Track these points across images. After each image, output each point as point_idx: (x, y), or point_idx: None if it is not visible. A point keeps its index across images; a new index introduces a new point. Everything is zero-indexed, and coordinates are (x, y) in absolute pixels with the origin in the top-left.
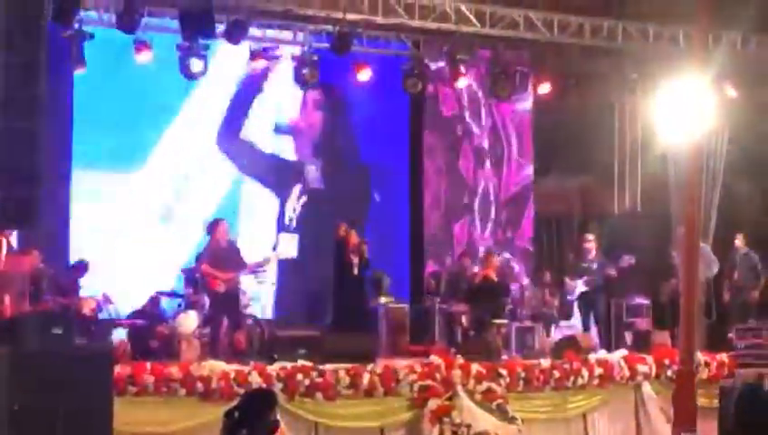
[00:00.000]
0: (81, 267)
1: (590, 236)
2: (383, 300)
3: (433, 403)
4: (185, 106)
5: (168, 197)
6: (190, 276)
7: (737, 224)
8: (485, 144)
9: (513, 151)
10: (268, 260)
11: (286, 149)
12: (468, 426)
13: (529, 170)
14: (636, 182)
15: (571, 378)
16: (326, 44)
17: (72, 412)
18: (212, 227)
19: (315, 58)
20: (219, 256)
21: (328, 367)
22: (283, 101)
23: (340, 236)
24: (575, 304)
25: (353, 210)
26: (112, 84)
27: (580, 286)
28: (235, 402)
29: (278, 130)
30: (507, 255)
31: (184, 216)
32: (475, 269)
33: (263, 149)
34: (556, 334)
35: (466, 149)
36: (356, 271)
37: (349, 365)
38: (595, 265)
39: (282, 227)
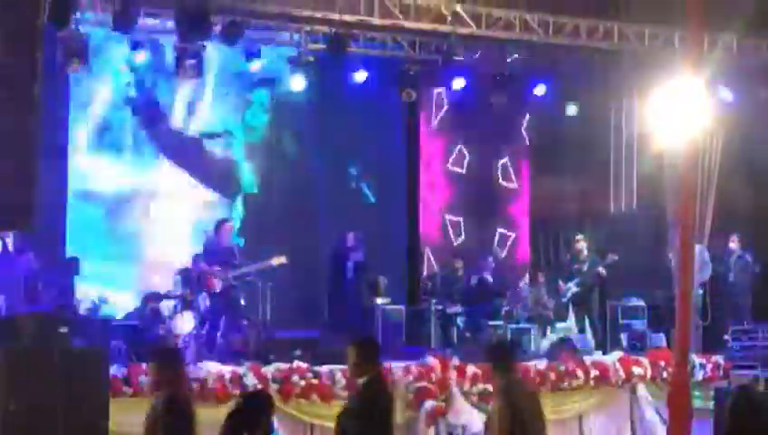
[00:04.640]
0: (73, 264)
1: (580, 236)
2: (379, 301)
3: (429, 405)
4: (178, 104)
5: (165, 196)
6: (186, 277)
7: (732, 225)
8: (482, 145)
9: (509, 152)
10: (269, 265)
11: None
12: (464, 427)
13: (524, 171)
14: (632, 183)
15: (567, 380)
16: (322, 46)
17: (67, 413)
18: (217, 225)
19: (311, 59)
20: (217, 254)
21: (324, 368)
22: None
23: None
24: (570, 305)
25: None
26: (110, 84)
27: (571, 288)
28: (234, 404)
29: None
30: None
31: (181, 217)
32: (469, 271)
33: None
34: (552, 336)
35: (463, 150)
36: (350, 274)
37: (345, 366)
38: (585, 266)
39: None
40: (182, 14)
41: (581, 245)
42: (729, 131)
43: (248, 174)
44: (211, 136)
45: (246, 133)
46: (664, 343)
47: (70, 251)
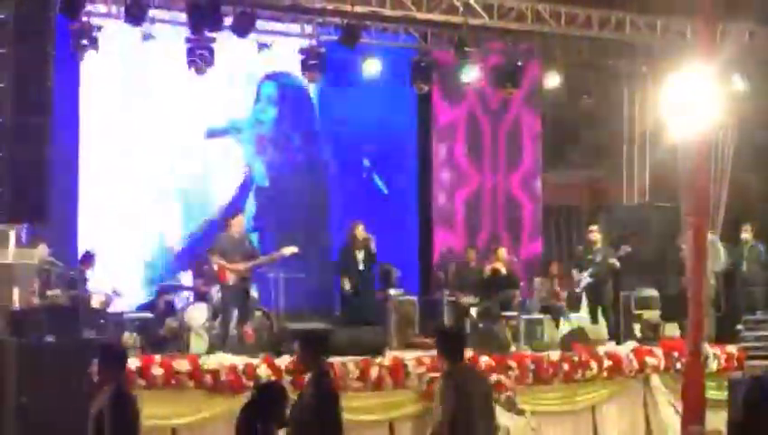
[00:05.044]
0: (88, 258)
1: (595, 227)
2: (392, 292)
3: None
4: (191, 95)
5: (179, 188)
6: (200, 268)
7: (745, 215)
8: (493, 137)
9: (522, 144)
10: (281, 255)
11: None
12: None
13: (537, 162)
14: (644, 174)
15: (580, 370)
16: (334, 37)
17: (80, 405)
18: (226, 219)
19: (323, 50)
20: (230, 247)
21: (336, 360)
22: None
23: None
24: (583, 296)
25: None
26: (119, 74)
27: (585, 278)
28: (249, 396)
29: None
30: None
31: (194, 207)
32: (482, 262)
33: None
34: (565, 327)
35: (476, 141)
36: (361, 266)
37: (357, 358)
38: (599, 257)
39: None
40: (193, 5)
41: (596, 236)
42: (742, 121)
43: (259, 167)
44: (217, 134)
45: (256, 127)
46: (677, 334)
47: (82, 243)
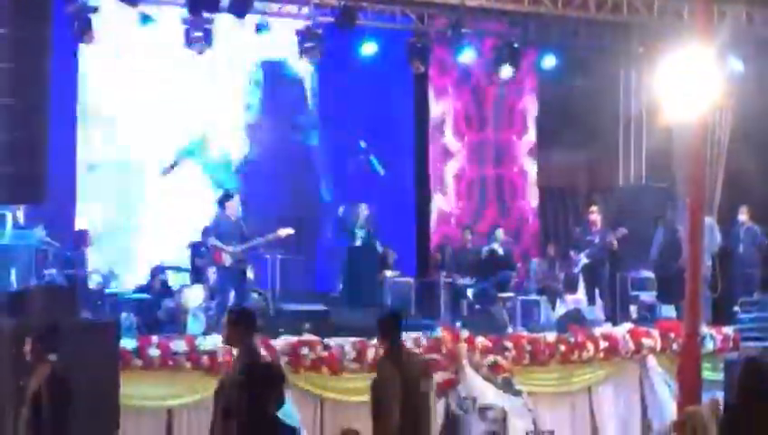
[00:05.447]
0: (82, 237)
1: (595, 208)
2: (389, 274)
3: (438, 377)
4: (190, 77)
5: (174, 169)
6: (197, 250)
7: (742, 197)
8: (491, 117)
9: (518, 125)
10: (277, 236)
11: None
12: (474, 399)
13: (533, 144)
14: (641, 155)
15: (577, 352)
16: (330, 18)
17: (78, 386)
18: (223, 200)
19: (319, 32)
20: (227, 229)
21: (333, 341)
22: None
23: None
24: (580, 278)
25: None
26: (117, 56)
27: (583, 259)
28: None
29: None
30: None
31: (191, 189)
32: (479, 243)
33: None
34: (561, 308)
35: (472, 122)
36: (358, 243)
37: (354, 339)
38: (597, 238)
39: None
40: None
41: (595, 216)
42: (739, 102)
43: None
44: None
45: (245, 111)
46: (674, 315)
47: (80, 223)
